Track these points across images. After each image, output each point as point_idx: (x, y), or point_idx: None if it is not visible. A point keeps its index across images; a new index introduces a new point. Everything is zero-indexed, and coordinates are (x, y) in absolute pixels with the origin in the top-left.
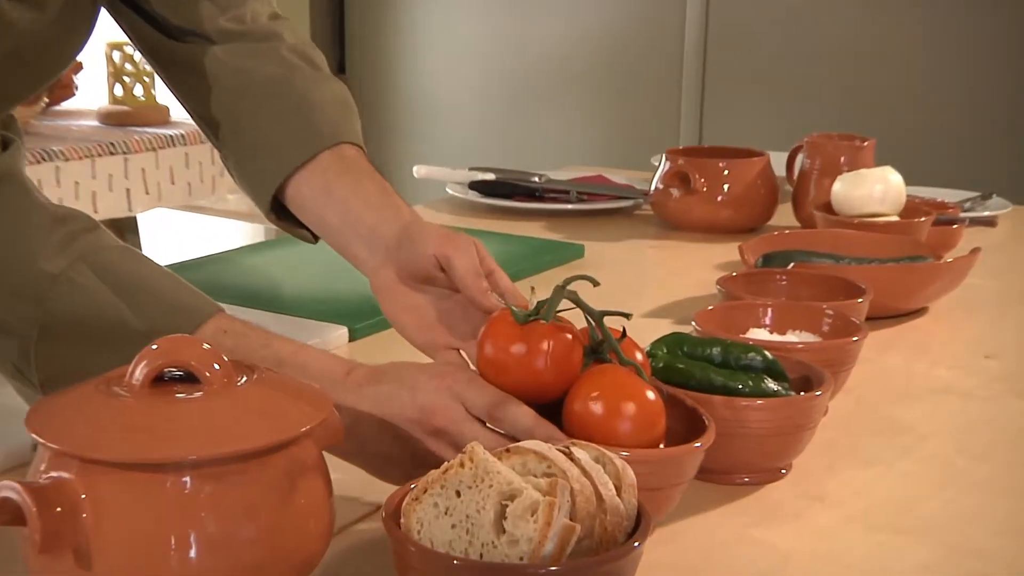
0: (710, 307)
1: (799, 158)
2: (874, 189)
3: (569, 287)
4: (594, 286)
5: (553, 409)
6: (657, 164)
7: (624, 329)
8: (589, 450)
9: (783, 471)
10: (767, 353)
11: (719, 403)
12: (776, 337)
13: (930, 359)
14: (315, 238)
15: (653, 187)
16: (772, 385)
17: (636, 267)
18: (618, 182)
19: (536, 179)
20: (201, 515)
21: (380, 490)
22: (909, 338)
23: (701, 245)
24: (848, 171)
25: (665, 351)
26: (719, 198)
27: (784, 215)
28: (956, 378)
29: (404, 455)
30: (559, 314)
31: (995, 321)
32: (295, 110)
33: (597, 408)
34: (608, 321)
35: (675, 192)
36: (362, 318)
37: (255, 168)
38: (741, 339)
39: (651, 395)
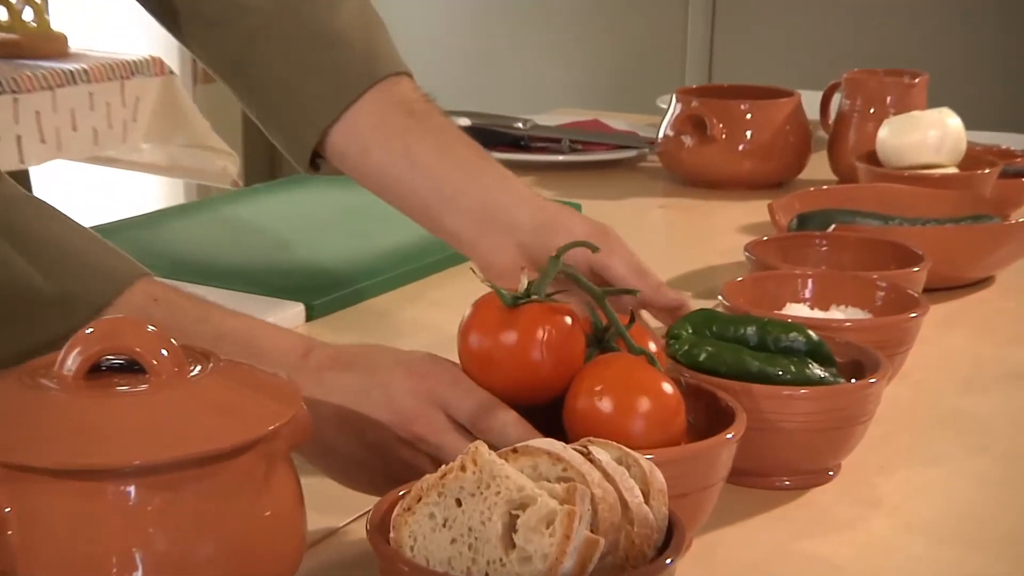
0: (739, 278)
1: (836, 98)
2: (928, 135)
3: (564, 258)
4: (593, 252)
5: (552, 410)
6: (665, 107)
7: (633, 312)
8: (610, 450)
9: (830, 472)
10: (811, 333)
11: (758, 393)
12: (819, 314)
13: (999, 338)
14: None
15: (661, 134)
16: (818, 371)
17: (642, 231)
18: (618, 128)
19: (520, 125)
20: (149, 531)
21: (361, 496)
22: (973, 313)
23: (720, 203)
24: (896, 114)
25: (690, 331)
26: (741, 147)
27: (817, 167)
28: None
29: (372, 459)
30: (554, 295)
31: None
32: (314, 45)
33: (605, 405)
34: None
35: (688, 140)
36: (321, 292)
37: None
38: (778, 316)
39: (667, 388)
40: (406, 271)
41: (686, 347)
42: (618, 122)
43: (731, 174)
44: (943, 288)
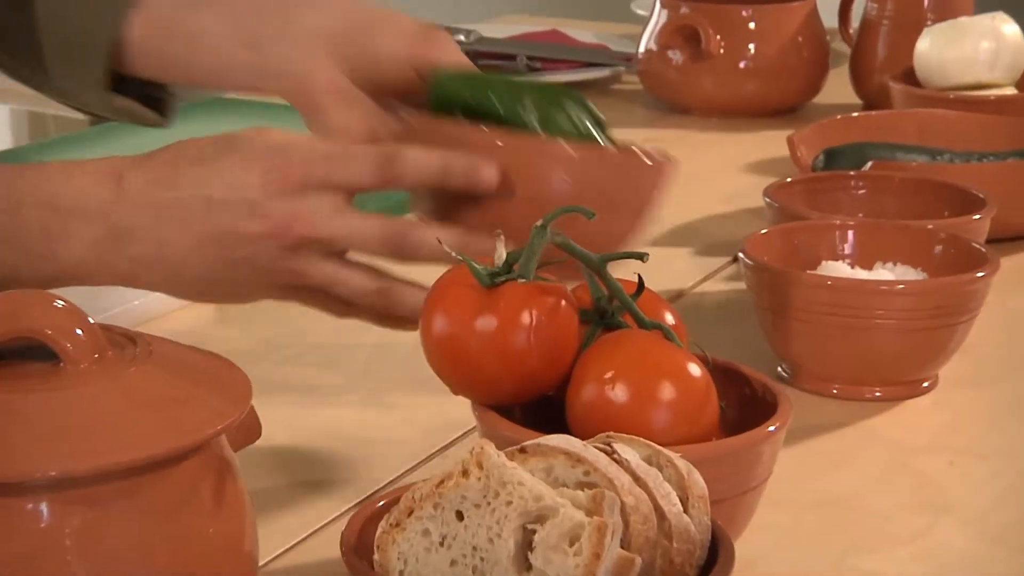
0: (763, 231)
1: (858, 2)
2: (980, 48)
3: (552, 226)
4: (589, 218)
5: (546, 408)
6: (644, 13)
7: (641, 279)
8: (637, 447)
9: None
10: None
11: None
12: (862, 274)
13: None
14: (164, 114)
15: (642, 48)
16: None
17: None
18: (583, 41)
19: (462, 38)
20: (67, 558)
21: (325, 505)
22: None
23: (719, 135)
24: (936, 20)
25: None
26: (743, 64)
27: (837, 88)
28: None
29: (244, 275)
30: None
31: None
32: None
33: (618, 394)
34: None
35: (676, 56)
36: None
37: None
38: (813, 275)
39: (694, 369)
40: None
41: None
42: (583, 33)
43: (731, 98)
44: (1006, 239)
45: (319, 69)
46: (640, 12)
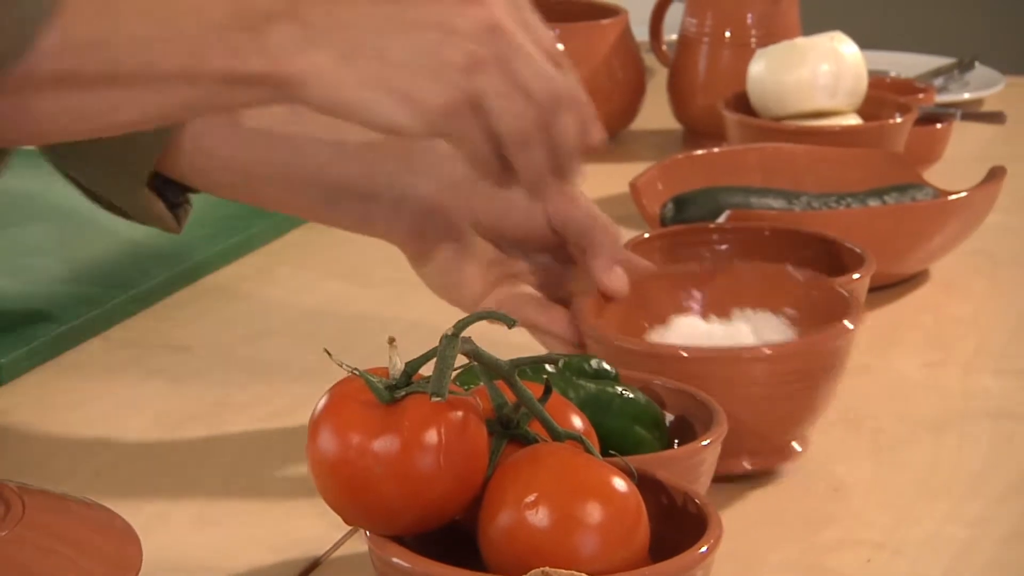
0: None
1: (673, 15)
2: (819, 72)
3: (464, 334)
4: (509, 327)
5: (452, 535)
6: None
7: (548, 381)
8: None
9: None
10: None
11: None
12: (717, 326)
13: (961, 360)
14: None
15: None
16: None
17: None
18: None
19: None
20: None
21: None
22: (913, 322)
23: None
24: (760, 37)
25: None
26: None
27: (653, 112)
28: (1009, 390)
29: (411, 42)
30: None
31: None
32: None
33: (540, 518)
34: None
35: None
36: (13, 346)
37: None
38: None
39: (620, 484)
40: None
41: None
42: None
43: None
44: (876, 287)
45: (435, 214)
46: None
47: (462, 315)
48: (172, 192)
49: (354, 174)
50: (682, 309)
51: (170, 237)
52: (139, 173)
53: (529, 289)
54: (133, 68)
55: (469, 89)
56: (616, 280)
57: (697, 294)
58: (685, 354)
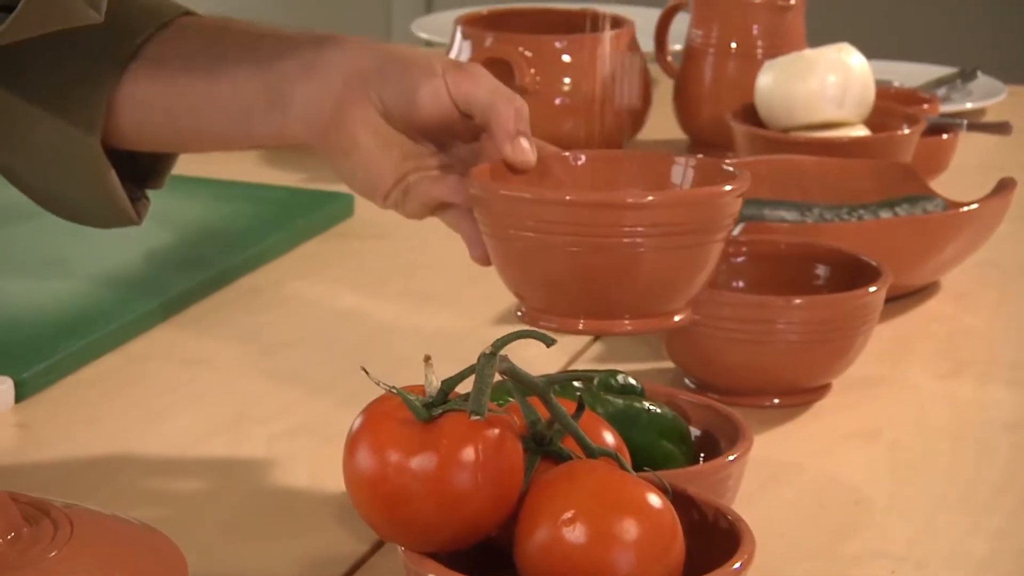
0: None
1: (678, 25)
2: (827, 83)
3: (503, 352)
4: (548, 346)
5: (486, 551)
6: (427, 37)
7: (581, 398)
8: None
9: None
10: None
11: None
12: None
13: (974, 371)
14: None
15: None
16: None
17: (423, 234)
18: None
19: None
20: None
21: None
22: (925, 333)
23: None
24: (766, 47)
25: None
26: (559, 100)
27: (659, 122)
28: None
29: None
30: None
31: None
32: None
33: (577, 535)
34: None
35: None
36: (34, 360)
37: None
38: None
39: (655, 501)
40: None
41: None
42: None
43: (547, 138)
44: (890, 298)
45: (350, 107)
46: (422, 35)
47: (478, 325)
48: (127, 188)
49: (267, 84)
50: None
51: (185, 248)
52: (89, 140)
53: (433, 172)
54: None
55: None
56: (519, 150)
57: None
58: (569, 197)
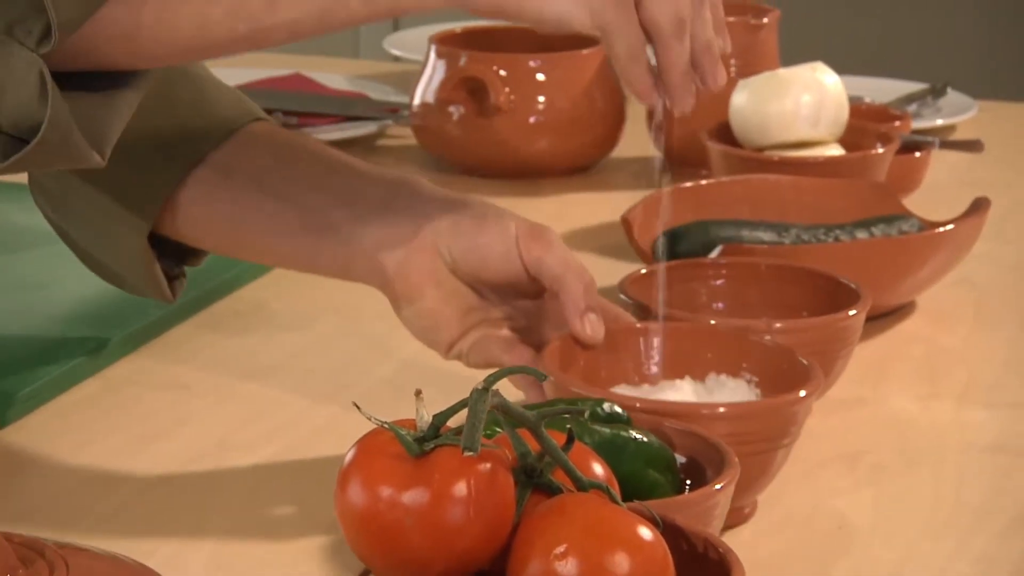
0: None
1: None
2: (801, 102)
3: (494, 387)
4: (541, 381)
5: None
6: (399, 53)
7: (571, 431)
8: None
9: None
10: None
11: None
12: (691, 390)
13: (953, 393)
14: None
15: (416, 101)
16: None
17: None
18: (336, 88)
19: None
20: None
21: None
22: (903, 353)
23: (514, 200)
24: (740, 67)
25: None
26: (533, 119)
27: (632, 140)
28: (1004, 424)
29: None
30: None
31: None
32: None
33: (569, 570)
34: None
35: (458, 111)
36: (13, 387)
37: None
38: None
39: (647, 533)
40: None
41: None
42: (332, 77)
43: (522, 156)
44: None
45: (418, 257)
46: (394, 52)
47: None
48: (167, 264)
49: (338, 219)
50: (626, 378)
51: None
52: (139, 226)
53: (503, 332)
54: None
55: None
56: (589, 327)
57: (665, 351)
58: (639, 405)
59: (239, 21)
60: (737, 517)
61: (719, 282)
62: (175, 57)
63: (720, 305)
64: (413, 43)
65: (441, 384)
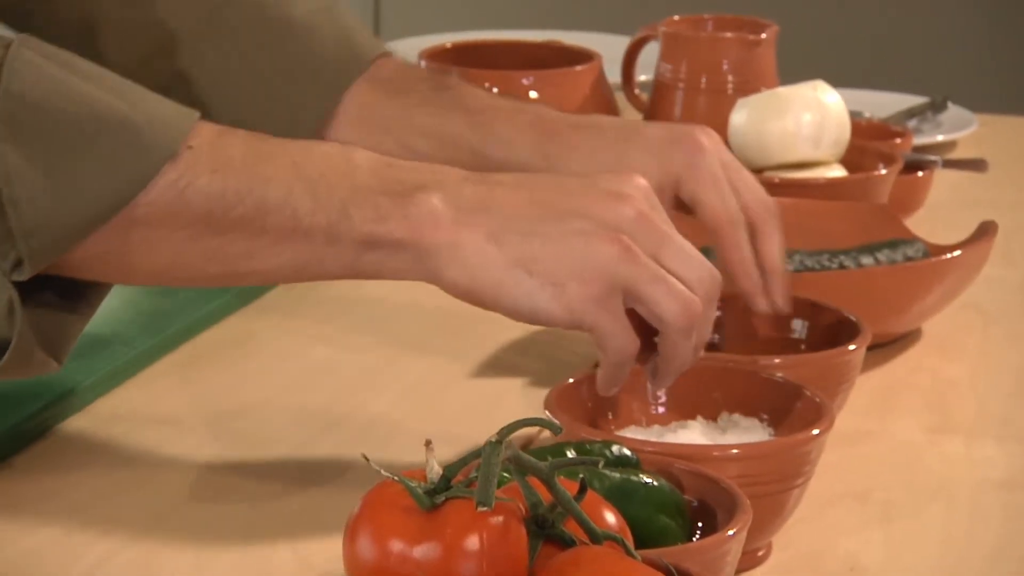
0: (569, 380)
1: (648, 55)
2: (802, 122)
3: (507, 439)
4: (555, 434)
5: None
6: None
7: (583, 481)
8: None
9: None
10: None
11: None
12: (703, 431)
13: (962, 425)
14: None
15: None
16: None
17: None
18: None
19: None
20: None
21: None
22: (910, 383)
23: None
24: (737, 83)
25: None
26: None
27: None
28: (1015, 458)
29: (566, 230)
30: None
31: None
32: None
33: None
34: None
35: None
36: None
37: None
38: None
39: None
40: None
41: None
42: None
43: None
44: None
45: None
46: None
47: (454, 378)
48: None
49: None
50: (632, 419)
51: (149, 303)
52: None
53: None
54: (279, 220)
55: (621, 278)
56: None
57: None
58: (650, 449)
59: (214, 263)
60: (751, 560)
61: (717, 313)
62: (144, 282)
63: (716, 337)
64: (400, 54)
65: (436, 419)
